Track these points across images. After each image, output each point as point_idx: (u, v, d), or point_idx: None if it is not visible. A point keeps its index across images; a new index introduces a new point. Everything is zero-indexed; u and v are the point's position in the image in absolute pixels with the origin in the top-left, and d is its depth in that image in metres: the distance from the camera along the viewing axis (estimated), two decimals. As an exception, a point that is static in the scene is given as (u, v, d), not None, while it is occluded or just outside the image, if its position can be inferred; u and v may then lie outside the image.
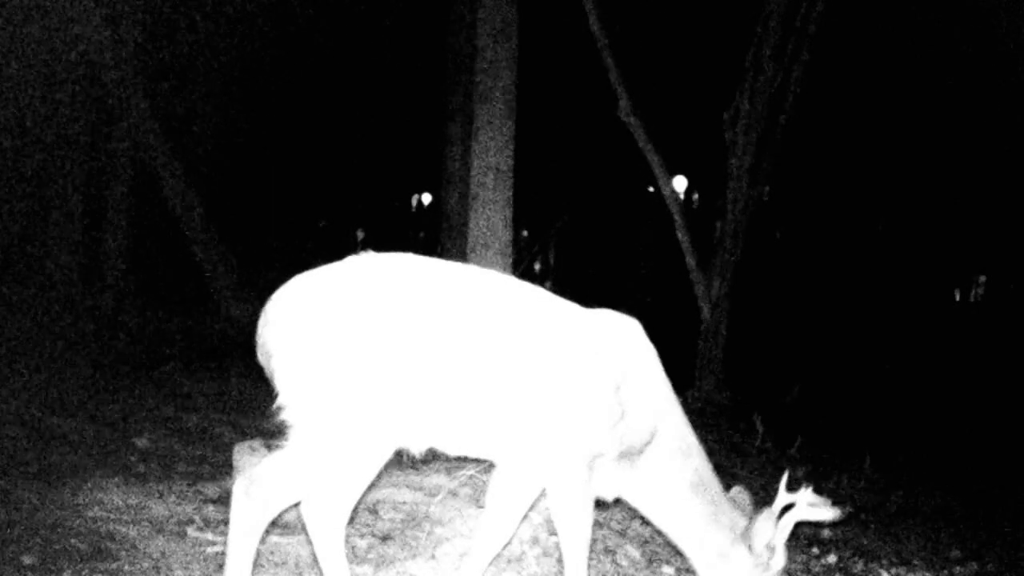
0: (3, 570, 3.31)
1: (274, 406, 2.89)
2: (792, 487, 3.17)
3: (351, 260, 2.96)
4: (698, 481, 3.22)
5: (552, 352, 3.01)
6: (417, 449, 3.02)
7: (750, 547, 3.15)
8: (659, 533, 3.46)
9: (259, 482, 2.83)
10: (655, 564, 4.05)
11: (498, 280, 3.14)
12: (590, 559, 3.29)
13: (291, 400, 2.85)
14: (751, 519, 3.18)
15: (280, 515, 3.01)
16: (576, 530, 3.08)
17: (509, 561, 3.82)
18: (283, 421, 2.89)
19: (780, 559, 3.17)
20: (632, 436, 3.11)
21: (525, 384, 2.96)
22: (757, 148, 8.87)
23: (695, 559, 3.27)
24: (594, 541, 3.77)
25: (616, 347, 3.13)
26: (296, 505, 3.05)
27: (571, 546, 3.09)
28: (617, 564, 3.94)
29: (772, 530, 3.12)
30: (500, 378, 2.93)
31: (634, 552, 4.15)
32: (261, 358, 2.92)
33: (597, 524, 3.29)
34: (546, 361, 2.99)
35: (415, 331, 2.84)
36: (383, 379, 2.80)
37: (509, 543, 3.89)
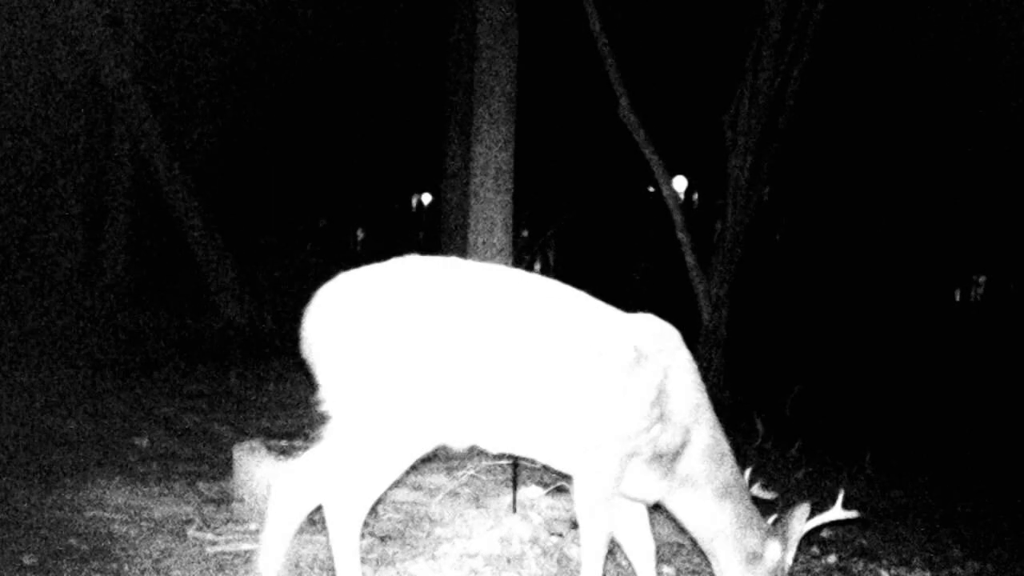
0: (3, 570, 3.31)
1: (315, 397, 2.96)
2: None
3: (397, 260, 3.03)
4: (732, 486, 3.28)
5: (597, 355, 3.07)
6: (459, 446, 3.07)
7: (785, 543, 3.24)
8: (686, 535, 3.51)
9: (299, 476, 2.91)
10: (655, 564, 4.04)
11: (543, 283, 3.20)
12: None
13: (336, 393, 2.92)
14: (788, 515, 3.26)
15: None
16: (597, 527, 3.13)
17: (509, 561, 3.82)
18: (323, 414, 2.96)
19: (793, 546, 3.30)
20: (666, 439, 3.16)
21: (571, 385, 3.02)
22: (757, 148, 8.86)
23: (727, 563, 3.28)
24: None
25: (659, 352, 3.19)
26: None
27: (590, 543, 3.15)
28: (617, 564, 3.94)
29: (804, 525, 3.24)
30: (547, 379, 3.00)
31: (634, 552, 4.13)
32: (305, 351, 2.98)
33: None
34: (591, 364, 3.05)
35: (461, 331, 2.91)
36: (430, 377, 2.87)
37: (509, 543, 3.89)
